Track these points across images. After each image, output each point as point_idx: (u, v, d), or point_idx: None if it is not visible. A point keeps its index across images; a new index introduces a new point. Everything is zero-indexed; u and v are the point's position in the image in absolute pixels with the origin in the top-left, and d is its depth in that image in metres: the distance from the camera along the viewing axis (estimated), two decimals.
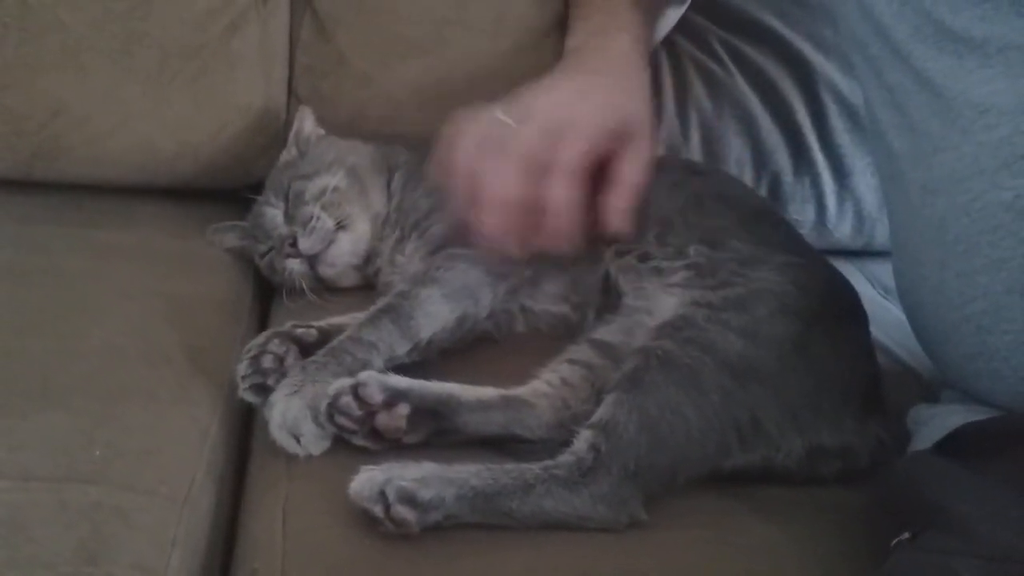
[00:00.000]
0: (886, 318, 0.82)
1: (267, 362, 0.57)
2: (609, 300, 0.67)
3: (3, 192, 0.81)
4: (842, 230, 0.95)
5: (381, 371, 0.56)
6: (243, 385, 0.57)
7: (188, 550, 0.47)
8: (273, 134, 0.84)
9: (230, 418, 0.59)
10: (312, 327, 0.61)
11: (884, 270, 0.95)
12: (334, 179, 0.73)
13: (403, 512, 0.47)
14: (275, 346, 0.57)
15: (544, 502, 0.50)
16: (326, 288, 0.73)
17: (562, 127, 0.61)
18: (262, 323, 0.73)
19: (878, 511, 0.52)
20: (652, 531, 0.51)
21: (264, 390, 0.56)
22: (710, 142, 0.91)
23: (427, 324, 0.62)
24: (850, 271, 0.96)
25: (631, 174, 0.63)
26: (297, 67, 0.84)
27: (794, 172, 0.92)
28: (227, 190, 0.85)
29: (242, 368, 0.57)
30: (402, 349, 0.60)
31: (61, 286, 0.67)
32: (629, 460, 0.52)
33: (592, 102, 0.63)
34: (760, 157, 0.91)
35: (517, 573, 0.47)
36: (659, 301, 0.63)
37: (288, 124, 0.84)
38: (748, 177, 0.91)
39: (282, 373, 0.57)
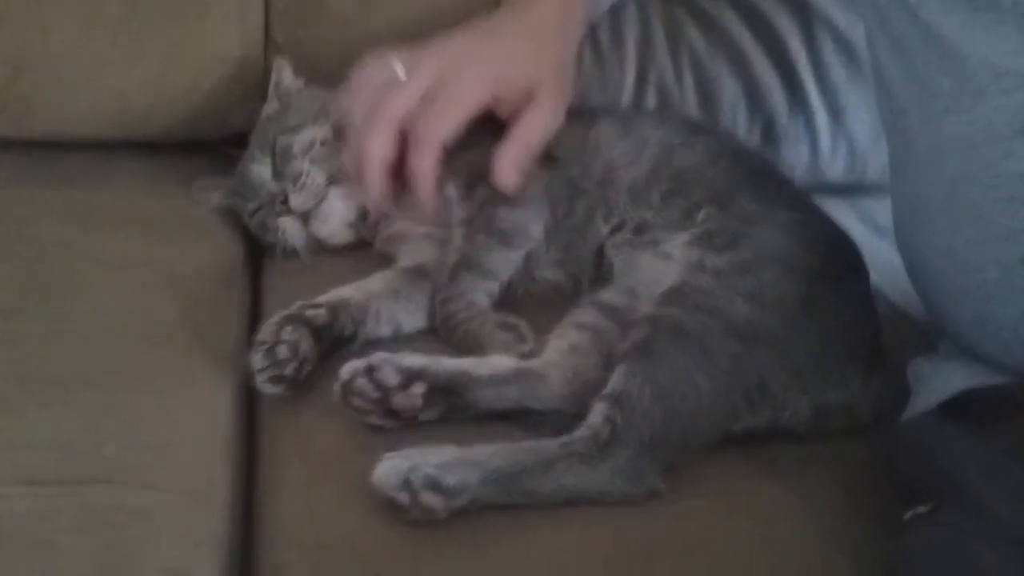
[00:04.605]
0: (878, 259, 0.81)
1: (282, 353, 0.55)
2: (602, 271, 0.67)
3: None
4: (835, 169, 0.94)
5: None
6: (260, 378, 0.55)
7: (213, 546, 0.47)
8: (252, 83, 0.80)
9: (236, 397, 0.58)
10: (320, 306, 0.59)
11: (876, 206, 0.94)
12: (321, 131, 0.70)
13: (430, 499, 0.47)
14: (288, 334, 0.56)
15: (564, 479, 0.50)
16: (320, 247, 0.71)
17: (439, 92, 0.65)
18: (255, 286, 0.71)
19: (888, 475, 0.53)
20: (668, 503, 0.52)
21: (281, 380, 0.55)
22: (703, 84, 0.88)
23: (502, 268, 0.65)
24: (842, 209, 0.95)
25: (523, 133, 0.67)
26: (272, 12, 0.79)
27: (789, 113, 0.90)
28: (206, 142, 0.82)
29: (257, 361, 0.55)
30: (491, 288, 0.64)
31: (44, 258, 0.64)
32: (644, 432, 0.53)
33: (479, 68, 0.67)
34: (754, 99, 0.89)
35: (548, 554, 0.48)
36: (657, 271, 0.63)
37: (267, 72, 0.80)
38: (742, 119, 0.89)
39: (300, 360, 0.56)
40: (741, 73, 0.89)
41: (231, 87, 0.79)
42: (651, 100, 0.87)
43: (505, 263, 0.65)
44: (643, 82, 0.88)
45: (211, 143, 0.82)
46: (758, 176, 0.70)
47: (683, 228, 0.65)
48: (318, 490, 0.51)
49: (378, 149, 0.65)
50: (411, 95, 0.65)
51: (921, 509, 0.47)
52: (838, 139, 0.93)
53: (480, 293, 0.63)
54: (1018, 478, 0.45)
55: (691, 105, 0.88)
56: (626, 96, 0.87)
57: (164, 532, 0.46)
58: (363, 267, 0.70)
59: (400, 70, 0.67)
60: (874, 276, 0.80)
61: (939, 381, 0.57)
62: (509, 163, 0.67)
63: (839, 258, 0.65)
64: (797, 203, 0.69)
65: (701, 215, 0.65)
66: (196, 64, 0.78)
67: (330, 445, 0.53)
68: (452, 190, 0.68)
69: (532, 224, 0.67)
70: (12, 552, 0.42)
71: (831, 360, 0.60)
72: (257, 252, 0.75)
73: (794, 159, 0.93)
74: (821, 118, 0.92)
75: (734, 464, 0.56)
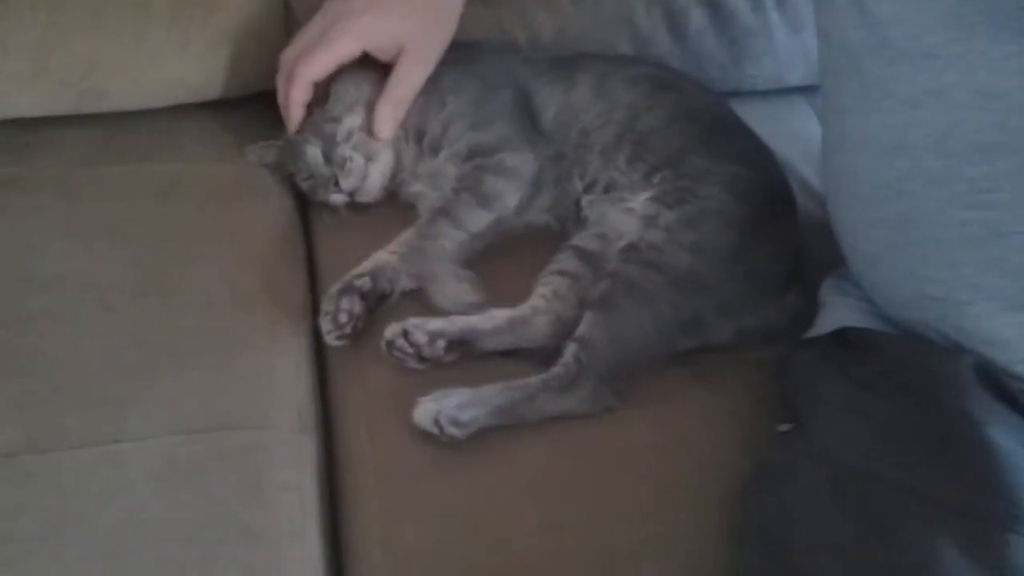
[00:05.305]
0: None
1: (342, 318, 0.75)
2: (581, 218, 0.85)
3: (60, 126, 0.93)
4: (794, 75, 1.07)
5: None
6: (328, 337, 0.75)
7: (311, 466, 0.70)
8: (276, 50, 0.92)
9: (310, 344, 0.79)
10: (364, 275, 0.77)
11: None
12: (357, 119, 0.85)
13: (453, 430, 0.68)
14: (345, 303, 0.75)
15: (545, 406, 0.71)
16: (359, 206, 0.88)
17: (319, 42, 0.83)
18: (309, 240, 0.90)
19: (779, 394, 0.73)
20: (618, 414, 0.72)
21: (343, 337, 0.75)
22: (671, 15, 0.99)
23: (471, 223, 0.81)
24: (800, 104, 1.10)
25: (394, 89, 0.85)
26: None
27: (752, 34, 1.02)
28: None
29: (325, 325, 0.75)
30: (460, 237, 0.80)
31: (146, 236, 0.82)
32: (603, 367, 0.72)
33: (350, 23, 0.83)
34: (720, 25, 1.00)
35: (534, 456, 0.69)
36: (621, 223, 0.81)
37: (287, 38, 0.93)
38: (710, 43, 1.01)
39: (355, 320, 0.75)
40: (707, 4, 1.00)
41: (264, 58, 0.93)
42: (624, 36, 0.99)
43: (477, 220, 0.81)
44: (616, 22, 0.99)
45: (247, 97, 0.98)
46: (711, 132, 0.84)
47: (643, 188, 0.82)
48: (375, 417, 0.72)
49: (282, 90, 0.86)
50: (301, 45, 0.85)
51: (784, 427, 0.67)
52: (796, 51, 1.05)
53: (448, 239, 0.79)
54: (854, 409, 0.64)
55: (662, 35, 1.00)
56: (602, 34, 0.99)
57: (279, 459, 0.68)
58: (389, 212, 0.88)
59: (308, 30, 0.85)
60: (808, 171, 0.95)
61: (834, 312, 0.74)
62: (384, 117, 0.84)
63: (771, 204, 0.81)
64: (743, 154, 0.83)
65: (657, 177, 0.81)
66: (234, 44, 0.92)
67: (381, 382, 0.74)
68: (452, 168, 0.85)
69: (510, 195, 0.83)
70: (183, 482, 0.65)
71: (753, 293, 0.78)
72: (303, 200, 0.93)
73: (756, 71, 1.05)
74: (781, 35, 1.03)
75: (670, 375, 0.75)
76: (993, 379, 0.62)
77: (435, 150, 0.86)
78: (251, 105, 0.97)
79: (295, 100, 0.85)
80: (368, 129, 0.86)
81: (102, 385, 0.70)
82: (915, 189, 0.65)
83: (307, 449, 0.71)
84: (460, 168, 0.84)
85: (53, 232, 0.82)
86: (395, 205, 0.90)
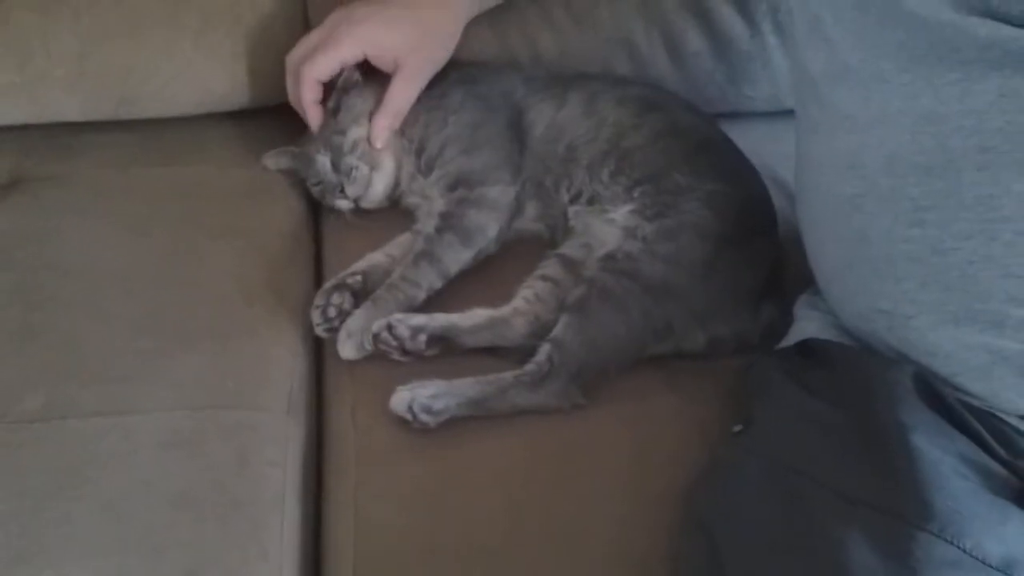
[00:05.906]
0: None
1: (331, 312, 0.82)
2: (568, 228, 0.90)
3: (99, 131, 1.02)
4: (791, 99, 1.09)
5: (411, 309, 0.82)
6: (318, 329, 0.82)
7: (298, 445, 0.76)
8: None
9: (307, 337, 0.85)
10: (357, 274, 0.84)
11: None
12: (363, 131, 0.92)
13: (424, 418, 0.74)
14: (336, 299, 0.82)
15: (515, 400, 0.76)
16: (363, 211, 0.95)
17: (323, 45, 0.90)
18: (318, 240, 0.97)
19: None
20: (587, 411, 0.77)
21: (332, 330, 0.81)
22: (670, 37, 1.04)
23: (453, 265, 0.85)
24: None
25: (391, 102, 0.91)
26: (310, 6, 1.01)
27: (749, 57, 1.06)
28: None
29: (315, 317, 0.82)
30: (438, 284, 0.84)
31: (166, 232, 0.90)
32: (573, 367, 0.77)
33: (354, 29, 0.90)
34: (718, 49, 1.04)
35: (503, 446, 0.74)
36: (604, 234, 0.85)
37: None
38: (707, 66, 1.05)
39: (344, 315, 0.81)
40: (705, 27, 1.04)
41: (281, 70, 0.99)
42: (623, 57, 1.03)
43: (458, 261, 0.85)
44: (616, 43, 1.03)
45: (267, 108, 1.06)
46: (695, 151, 0.88)
47: (625, 201, 0.86)
48: (359, 404, 0.78)
49: (291, 91, 0.94)
50: (306, 48, 0.92)
51: (738, 427, 0.71)
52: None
53: (425, 288, 0.83)
54: (799, 412, 0.68)
55: (660, 56, 1.04)
56: (602, 55, 1.03)
57: (268, 438, 0.74)
58: (393, 216, 0.95)
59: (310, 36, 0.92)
60: None
61: (802, 325, 0.78)
62: (379, 127, 0.91)
63: (748, 221, 0.85)
64: (726, 173, 0.87)
65: (637, 192, 0.86)
66: (256, 58, 1.00)
67: (368, 372, 0.80)
68: (436, 194, 0.90)
69: (491, 227, 0.88)
70: (181, 453, 0.71)
71: (726, 304, 0.82)
72: (316, 207, 1.00)
73: (754, 92, 1.09)
74: (778, 59, 1.07)
75: (642, 377, 0.80)
76: (931, 389, 0.65)
77: (429, 169, 0.92)
78: (270, 115, 1.05)
79: (308, 100, 0.92)
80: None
81: (116, 363, 0.78)
82: (867, 207, 0.68)
83: (294, 430, 0.77)
84: (445, 198, 0.89)
85: (84, 226, 0.90)
86: (399, 210, 0.96)
